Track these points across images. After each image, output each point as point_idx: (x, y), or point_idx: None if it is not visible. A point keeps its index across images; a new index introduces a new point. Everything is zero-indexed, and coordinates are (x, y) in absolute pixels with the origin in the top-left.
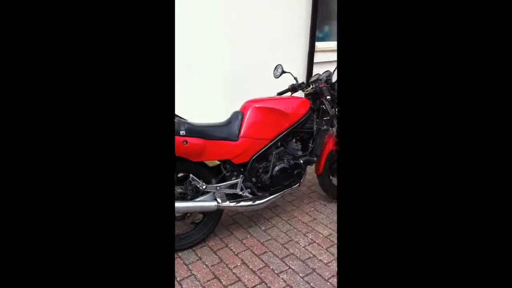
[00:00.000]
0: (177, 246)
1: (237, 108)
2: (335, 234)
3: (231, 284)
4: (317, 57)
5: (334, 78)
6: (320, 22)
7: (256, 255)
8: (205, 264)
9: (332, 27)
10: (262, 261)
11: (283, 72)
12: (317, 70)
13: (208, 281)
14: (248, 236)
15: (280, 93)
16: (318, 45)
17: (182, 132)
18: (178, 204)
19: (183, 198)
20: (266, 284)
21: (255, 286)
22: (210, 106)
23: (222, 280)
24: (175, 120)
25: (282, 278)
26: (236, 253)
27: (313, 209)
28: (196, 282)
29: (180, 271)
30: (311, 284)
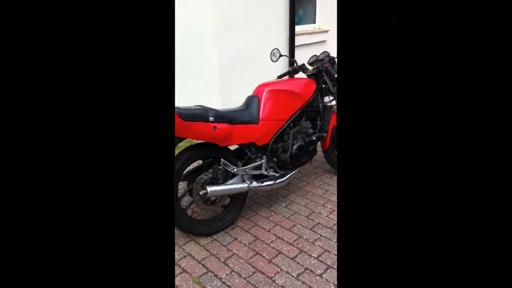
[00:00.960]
0: (212, 229)
1: (228, 93)
2: None
3: (274, 258)
4: (296, 40)
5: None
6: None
7: (286, 229)
8: (243, 243)
9: (306, 10)
10: (294, 233)
11: (281, 55)
12: (298, 52)
13: (251, 257)
14: (273, 213)
15: (280, 76)
16: (296, 28)
17: (211, 119)
18: (215, 188)
19: (214, 183)
20: (305, 252)
21: (296, 255)
22: (207, 93)
23: (264, 255)
24: (202, 108)
25: (318, 245)
26: (267, 229)
27: (322, 182)
28: (241, 260)
29: (221, 252)
30: None
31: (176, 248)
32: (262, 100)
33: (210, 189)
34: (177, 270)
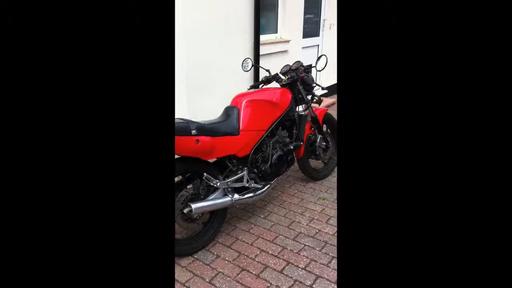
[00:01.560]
0: (193, 248)
1: (195, 101)
2: (327, 209)
3: (261, 272)
4: (261, 50)
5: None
6: None
7: (269, 241)
8: (226, 260)
9: (268, 19)
10: (278, 245)
11: (253, 65)
12: (263, 61)
13: (238, 274)
14: (253, 226)
15: (252, 86)
16: (261, 38)
17: (193, 132)
18: (200, 204)
19: (195, 199)
20: (292, 264)
21: (283, 268)
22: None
23: (251, 271)
24: (184, 121)
25: (304, 255)
26: (249, 243)
27: (297, 190)
28: (227, 279)
29: (205, 272)
30: (330, 254)
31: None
32: (242, 110)
33: (194, 206)
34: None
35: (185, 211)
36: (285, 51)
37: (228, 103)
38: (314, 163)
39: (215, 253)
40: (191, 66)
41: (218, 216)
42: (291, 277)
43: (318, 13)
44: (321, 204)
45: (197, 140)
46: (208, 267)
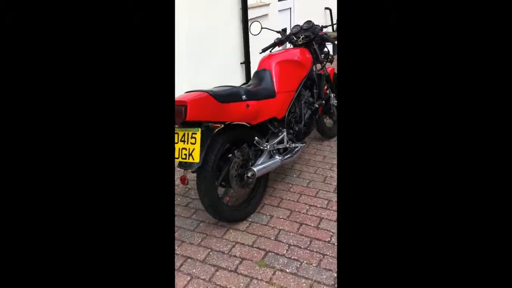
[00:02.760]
0: (246, 213)
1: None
2: None
3: (319, 224)
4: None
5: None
6: None
7: (312, 196)
8: (282, 218)
9: None
10: (323, 198)
11: (262, 28)
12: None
13: (299, 229)
14: (291, 185)
15: (265, 49)
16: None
17: (244, 97)
18: (261, 167)
19: (246, 163)
20: None
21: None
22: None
23: (309, 223)
24: (231, 87)
25: None
26: (295, 201)
27: (316, 149)
28: (291, 234)
29: (267, 231)
30: None
31: (217, 239)
32: (273, 72)
33: (256, 169)
34: (236, 261)
35: (249, 175)
36: (266, 15)
37: (222, 73)
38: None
39: (267, 214)
40: (191, 40)
41: (263, 179)
42: None
43: None
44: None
45: (248, 105)
46: (267, 226)
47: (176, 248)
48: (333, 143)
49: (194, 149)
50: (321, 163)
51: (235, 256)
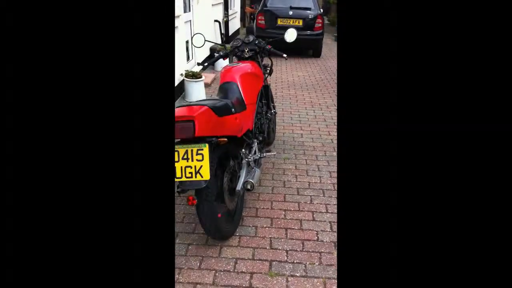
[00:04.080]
0: (233, 227)
1: None
2: (298, 165)
3: (301, 225)
4: None
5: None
6: None
7: (283, 201)
8: (266, 227)
9: None
10: (292, 202)
11: (206, 41)
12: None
13: (286, 234)
14: (257, 194)
15: (203, 63)
16: None
17: (233, 110)
18: (255, 178)
19: (234, 175)
20: (317, 211)
21: (313, 216)
22: None
23: (293, 227)
24: (217, 100)
25: (316, 203)
26: (269, 208)
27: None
28: (282, 240)
29: (260, 242)
30: (333, 196)
31: (216, 259)
32: (239, 85)
33: (254, 180)
34: (246, 276)
35: (248, 187)
36: (177, 27)
37: None
38: None
39: (251, 225)
40: None
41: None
42: (325, 221)
43: None
44: (290, 162)
45: (236, 118)
46: (257, 237)
47: (177, 276)
48: (275, 150)
49: (202, 166)
50: (274, 169)
51: (243, 272)
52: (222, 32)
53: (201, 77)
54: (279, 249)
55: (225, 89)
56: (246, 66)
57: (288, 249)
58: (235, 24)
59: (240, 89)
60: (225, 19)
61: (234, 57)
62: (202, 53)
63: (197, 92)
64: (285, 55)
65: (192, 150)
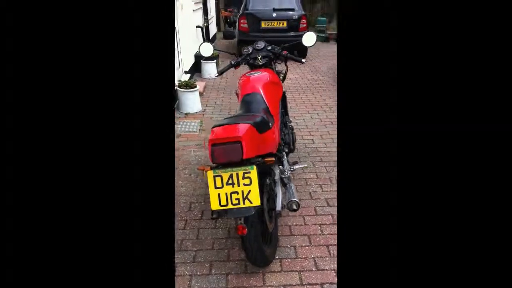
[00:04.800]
0: (274, 251)
1: None
2: (320, 173)
3: None
4: None
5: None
6: None
7: (314, 214)
8: (306, 246)
9: None
10: (327, 214)
11: (215, 49)
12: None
13: (329, 251)
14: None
15: (221, 72)
16: None
17: (270, 124)
18: (297, 197)
19: (270, 194)
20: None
21: None
22: None
23: (334, 243)
24: (256, 115)
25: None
26: (303, 224)
27: None
28: (327, 258)
29: (304, 264)
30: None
31: None
32: (263, 95)
33: (297, 199)
34: None
35: (294, 207)
36: None
37: None
38: None
39: (289, 246)
40: None
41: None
42: None
43: None
44: (309, 171)
45: (273, 132)
46: (300, 259)
47: None
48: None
49: (250, 190)
50: (295, 180)
51: None
52: (204, 38)
53: (195, 86)
54: (327, 270)
55: (248, 101)
56: (265, 74)
57: (335, 269)
58: (213, 29)
59: (265, 99)
60: (205, 24)
61: (246, 65)
62: (189, 61)
63: (192, 102)
64: (303, 60)
65: (238, 174)
